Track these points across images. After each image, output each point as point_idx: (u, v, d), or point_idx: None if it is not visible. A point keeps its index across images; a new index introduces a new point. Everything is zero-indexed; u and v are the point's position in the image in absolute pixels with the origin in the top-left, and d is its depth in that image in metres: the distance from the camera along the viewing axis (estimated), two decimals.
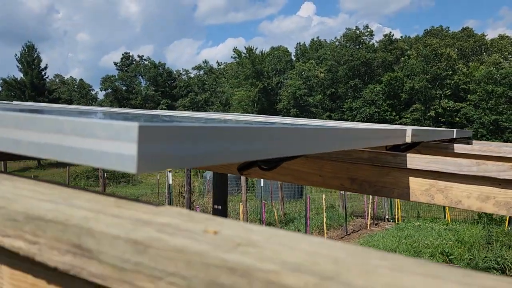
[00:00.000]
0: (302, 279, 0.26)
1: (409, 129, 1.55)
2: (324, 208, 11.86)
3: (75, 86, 57.49)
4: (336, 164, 1.60)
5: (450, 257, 8.34)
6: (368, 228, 13.05)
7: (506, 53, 45.67)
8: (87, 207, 0.42)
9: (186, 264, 0.30)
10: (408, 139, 1.55)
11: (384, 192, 1.48)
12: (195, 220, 0.39)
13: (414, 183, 1.43)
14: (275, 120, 2.02)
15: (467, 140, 3.48)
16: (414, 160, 1.42)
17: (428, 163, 1.40)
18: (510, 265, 7.84)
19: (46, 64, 42.01)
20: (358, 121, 38.30)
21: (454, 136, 2.73)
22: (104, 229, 0.35)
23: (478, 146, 2.49)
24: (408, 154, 1.45)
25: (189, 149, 0.47)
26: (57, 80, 59.51)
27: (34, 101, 34.87)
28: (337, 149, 1.07)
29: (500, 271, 7.74)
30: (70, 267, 0.36)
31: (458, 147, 2.31)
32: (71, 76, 62.55)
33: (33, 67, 40.39)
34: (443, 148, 2.34)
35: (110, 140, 0.44)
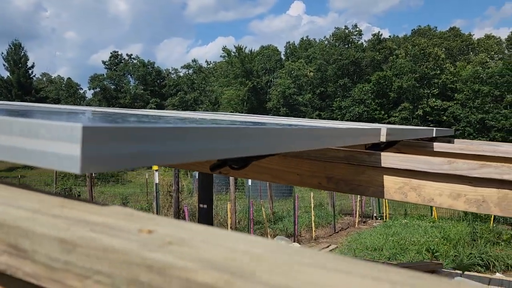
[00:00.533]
0: (215, 276, 0.27)
1: (383, 128, 1.57)
2: (312, 206, 11.92)
3: (63, 85, 56.81)
4: (313, 163, 1.61)
5: (435, 254, 8.44)
6: (356, 226, 13.16)
7: (492, 53, 46.31)
8: (30, 208, 0.42)
9: (111, 262, 0.30)
10: (383, 138, 1.56)
11: (360, 190, 1.50)
12: (135, 219, 0.40)
13: (388, 181, 1.45)
14: (244, 119, 2.03)
15: (448, 139, 3.53)
16: (388, 159, 1.44)
17: (402, 162, 1.42)
18: (494, 261, 7.97)
19: (33, 63, 41.56)
20: (347, 120, 38.48)
21: (434, 135, 2.76)
22: (38, 229, 0.35)
23: (458, 145, 2.52)
24: (382, 153, 1.46)
25: (135, 149, 0.47)
26: (44, 79, 58.78)
27: (21, 100, 34.40)
28: (308, 148, 1.08)
29: (484, 267, 7.86)
30: (6, 267, 0.36)
31: (438, 146, 2.35)
32: (58, 75, 61.87)
33: (19, 65, 39.86)
34: (422, 146, 2.37)
35: (55, 140, 0.44)
